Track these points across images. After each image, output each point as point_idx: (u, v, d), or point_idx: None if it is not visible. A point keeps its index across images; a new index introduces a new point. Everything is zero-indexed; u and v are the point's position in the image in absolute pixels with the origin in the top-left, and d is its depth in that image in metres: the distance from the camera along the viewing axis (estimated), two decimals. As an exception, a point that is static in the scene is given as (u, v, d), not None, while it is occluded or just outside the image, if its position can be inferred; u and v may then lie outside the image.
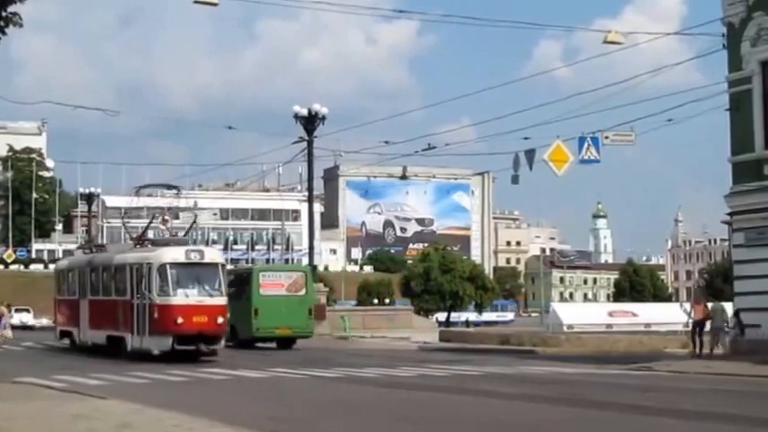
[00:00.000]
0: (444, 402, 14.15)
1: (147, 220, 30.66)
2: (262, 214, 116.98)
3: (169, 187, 31.75)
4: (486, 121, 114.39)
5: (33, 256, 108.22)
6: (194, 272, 23.28)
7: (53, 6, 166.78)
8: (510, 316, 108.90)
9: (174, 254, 23.37)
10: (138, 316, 23.17)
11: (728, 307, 26.39)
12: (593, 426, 11.84)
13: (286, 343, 30.41)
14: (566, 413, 12.95)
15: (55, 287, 30.58)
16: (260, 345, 30.46)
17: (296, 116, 32.13)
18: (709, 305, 26.28)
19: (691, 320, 25.90)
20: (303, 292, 31.27)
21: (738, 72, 25.27)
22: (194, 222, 34.72)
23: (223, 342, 23.92)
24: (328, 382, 17.81)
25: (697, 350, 25.21)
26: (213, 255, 25.01)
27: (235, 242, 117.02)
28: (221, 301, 23.48)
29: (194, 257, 23.42)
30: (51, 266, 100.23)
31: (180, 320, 22.50)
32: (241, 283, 30.58)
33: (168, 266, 22.98)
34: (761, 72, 24.89)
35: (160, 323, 22.69)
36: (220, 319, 23.19)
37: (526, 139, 25.69)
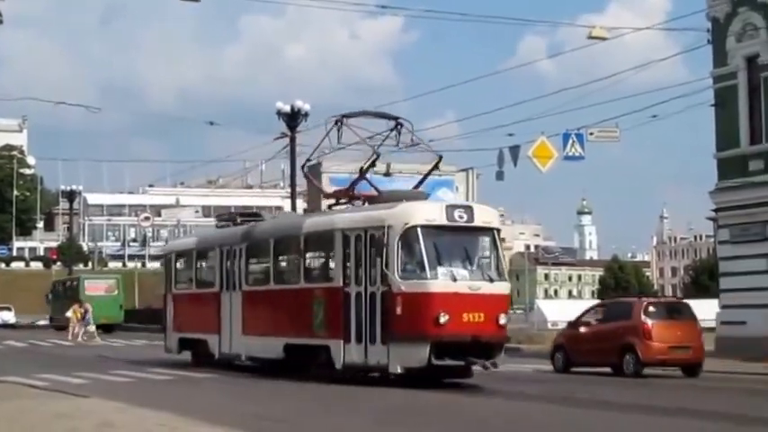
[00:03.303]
0: (430, 400, 14.02)
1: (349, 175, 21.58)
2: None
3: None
4: (470, 117, 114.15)
5: (14, 254, 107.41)
6: (461, 241, 15.61)
7: (35, 1, 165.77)
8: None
9: (429, 212, 15.41)
10: (358, 313, 15.42)
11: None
12: (583, 424, 11.76)
13: (106, 328, 41.97)
14: (557, 412, 12.87)
15: (165, 279, 22.45)
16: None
17: (278, 113, 32.01)
18: None
19: None
20: (116, 293, 47.88)
21: (723, 67, 25.27)
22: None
23: (503, 353, 15.94)
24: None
25: None
26: (487, 215, 16.09)
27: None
28: (504, 289, 15.86)
29: (460, 218, 15.37)
30: (33, 264, 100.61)
31: (443, 319, 14.62)
32: (71, 288, 43.95)
33: (421, 231, 15.03)
34: (746, 68, 24.89)
35: (408, 323, 14.80)
36: (503, 319, 15.33)
37: (510, 135, 25.52)
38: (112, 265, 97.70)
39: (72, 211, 72.08)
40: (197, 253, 21.26)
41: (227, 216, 22.52)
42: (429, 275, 14.91)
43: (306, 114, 32.36)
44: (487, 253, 15.94)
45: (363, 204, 17.17)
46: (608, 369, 19.49)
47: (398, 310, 14.89)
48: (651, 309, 19.42)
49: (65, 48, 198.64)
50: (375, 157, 17.29)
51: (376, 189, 17.44)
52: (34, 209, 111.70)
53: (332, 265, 16.45)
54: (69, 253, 73.43)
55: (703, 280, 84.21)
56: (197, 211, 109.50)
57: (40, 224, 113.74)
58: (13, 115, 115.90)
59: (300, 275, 17.22)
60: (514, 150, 25.17)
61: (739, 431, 11.23)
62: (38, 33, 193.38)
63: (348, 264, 15.85)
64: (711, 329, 25.88)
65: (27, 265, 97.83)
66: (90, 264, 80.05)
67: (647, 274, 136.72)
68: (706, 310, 28.03)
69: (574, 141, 25.02)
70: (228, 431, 9.92)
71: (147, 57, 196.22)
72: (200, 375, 18.20)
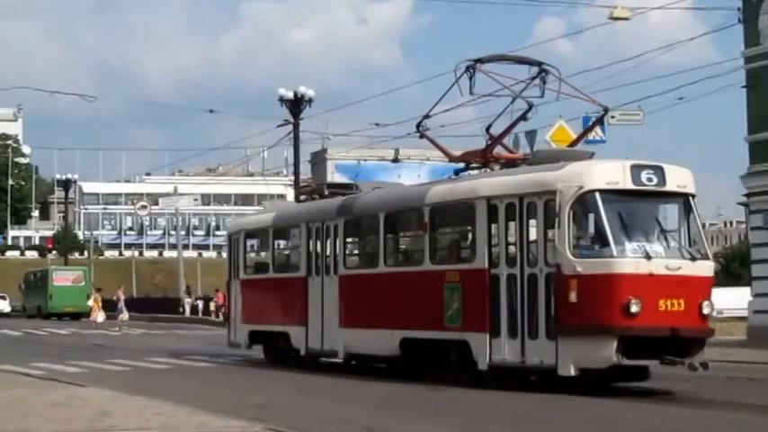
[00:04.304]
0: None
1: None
2: (246, 199, 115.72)
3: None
4: (483, 101, 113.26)
5: (9, 243, 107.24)
6: (650, 209, 12.79)
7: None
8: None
9: (611, 173, 12.40)
10: (511, 300, 12.63)
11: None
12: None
13: (73, 316, 44.50)
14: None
15: (230, 262, 19.30)
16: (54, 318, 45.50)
17: (281, 99, 31.67)
18: None
19: None
20: (83, 283, 48.92)
21: (755, 47, 24.24)
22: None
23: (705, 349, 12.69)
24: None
25: None
26: (682, 176, 13.00)
27: (217, 228, 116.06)
28: (708, 270, 12.80)
29: (649, 181, 12.45)
30: (28, 254, 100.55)
31: (635, 307, 11.77)
32: (42, 278, 49.10)
33: (600, 198, 12.18)
34: None
35: (586, 313, 11.96)
36: (706, 308, 12.36)
37: (527, 119, 24.70)
38: (108, 254, 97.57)
39: (67, 200, 71.89)
40: (274, 231, 17.96)
41: (311, 188, 19.21)
42: (615, 252, 12.00)
43: (310, 100, 32.02)
44: (683, 224, 12.82)
45: (523, 165, 13.80)
46: None
47: (572, 297, 12.00)
48: None
49: (59, 34, 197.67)
50: (528, 108, 14.13)
51: (509, 150, 14.89)
52: (29, 198, 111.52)
53: (471, 241, 13.44)
54: (65, 242, 73.20)
55: (734, 267, 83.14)
56: (196, 200, 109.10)
57: (36, 213, 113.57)
58: (8, 104, 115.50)
59: (425, 256, 14.13)
60: (531, 134, 23.97)
61: None
62: (32, 20, 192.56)
63: (495, 240, 13.01)
64: (743, 319, 25.41)
65: (22, 254, 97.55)
66: (86, 253, 79.73)
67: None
68: (737, 298, 27.47)
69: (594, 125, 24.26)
70: (226, 419, 9.72)
71: (144, 43, 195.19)
72: (198, 364, 18.00)
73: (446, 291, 13.51)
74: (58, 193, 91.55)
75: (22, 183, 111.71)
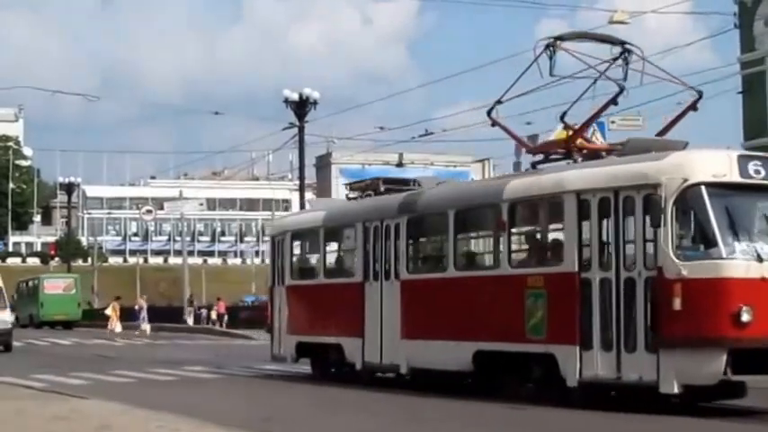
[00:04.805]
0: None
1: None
2: (251, 204, 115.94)
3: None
4: (486, 106, 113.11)
5: (11, 249, 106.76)
6: (759, 206, 11.59)
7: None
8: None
9: (717, 164, 11.22)
10: (605, 308, 11.38)
11: None
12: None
13: (65, 325, 45.15)
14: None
15: (273, 267, 17.85)
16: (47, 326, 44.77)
17: (286, 101, 31.64)
18: None
19: None
20: (74, 291, 49.34)
21: (751, 53, 24.75)
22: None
23: None
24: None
25: None
26: None
27: (222, 233, 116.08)
28: None
29: (757, 173, 11.28)
30: (30, 260, 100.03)
31: (746, 316, 10.55)
32: (34, 287, 49.17)
33: (706, 192, 11.01)
34: None
35: (692, 322, 10.73)
36: None
37: (528, 123, 24.99)
38: (113, 260, 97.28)
39: (70, 205, 71.58)
40: (326, 232, 16.43)
41: (364, 183, 17.03)
42: (724, 253, 10.77)
43: (315, 102, 31.92)
44: None
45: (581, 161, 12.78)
46: None
47: (677, 304, 10.72)
48: None
49: (61, 34, 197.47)
50: (619, 91, 12.97)
51: (582, 140, 13.33)
52: (31, 202, 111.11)
53: (558, 242, 12.23)
54: (68, 248, 72.93)
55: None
56: (201, 204, 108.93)
57: (37, 218, 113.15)
58: (9, 104, 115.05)
59: (503, 258, 12.76)
60: (532, 139, 24.61)
61: None
62: (33, 18, 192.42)
63: (586, 240, 11.73)
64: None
65: (24, 260, 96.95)
66: (90, 259, 79.45)
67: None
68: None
69: (595, 130, 24.53)
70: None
71: (147, 43, 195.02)
72: (203, 375, 17.70)
73: (528, 297, 12.20)
74: (61, 198, 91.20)
75: (24, 186, 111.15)
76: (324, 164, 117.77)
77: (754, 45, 24.67)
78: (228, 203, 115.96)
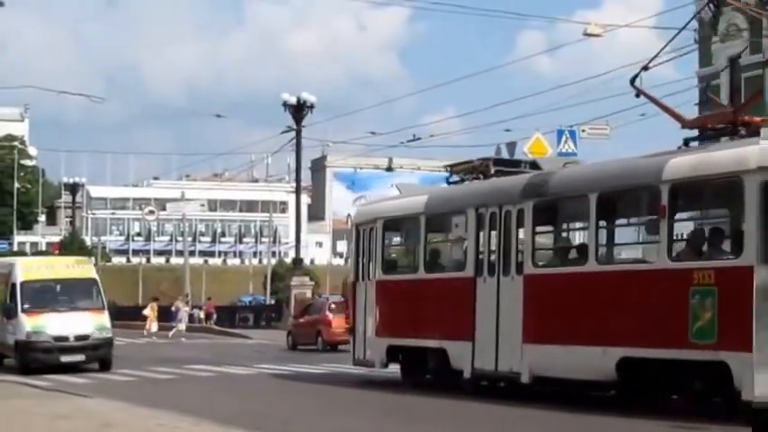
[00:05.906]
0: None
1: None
2: (250, 206, 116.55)
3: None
4: (469, 113, 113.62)
5: (15, 249, 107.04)
6: None
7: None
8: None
9: None
10: None
11: None
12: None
13: None
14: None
15: (357, 259, 15.86)
16: None
17: (285, 104, 32.06)
18: None
19: None
20: None
21: (708, 67, 25.68)
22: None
23: None
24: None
25: None
26: None
27: (223, 234, 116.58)
28: None
29: None
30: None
31: None
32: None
33: None
34: (729, 68, 25.29)
35: None
36: None
37: (507, 131, 26.28)
38: (116, 260, 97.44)
39: (75, 205, 71.93)
40: (428, 219, 14.33)
41: (470, 165, 14.60)
42: None
43: (312, 106, 32.40)
44: None
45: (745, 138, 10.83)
46: None
47: None
48: None
49: (67, 34, 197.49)
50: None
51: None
52: (35, 202, 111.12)
53: (734, 231, 10.56)
54: (72, 248, 73.23)
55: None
56: (203, 205, 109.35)
57: (42, 218, 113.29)
58: (14, 104, 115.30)
59: (661, 249, 10.80)
60: (511, 146, 25.78)
61: None
62: (39, 19, 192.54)
63: None
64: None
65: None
66: (93, 259, 79.52)
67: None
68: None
69: (567, 138, 25.62)
70: (228, 429, 9.73)
71: (151, 46, 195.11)
72: (202, 374, 17.98)
73: (693, 296, 10.25)
74: (66, 198, 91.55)
75: (29, 186, 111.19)
76: (319, 167, 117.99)
77: (711, 60, 25.77)
78: (229, 205, 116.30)
